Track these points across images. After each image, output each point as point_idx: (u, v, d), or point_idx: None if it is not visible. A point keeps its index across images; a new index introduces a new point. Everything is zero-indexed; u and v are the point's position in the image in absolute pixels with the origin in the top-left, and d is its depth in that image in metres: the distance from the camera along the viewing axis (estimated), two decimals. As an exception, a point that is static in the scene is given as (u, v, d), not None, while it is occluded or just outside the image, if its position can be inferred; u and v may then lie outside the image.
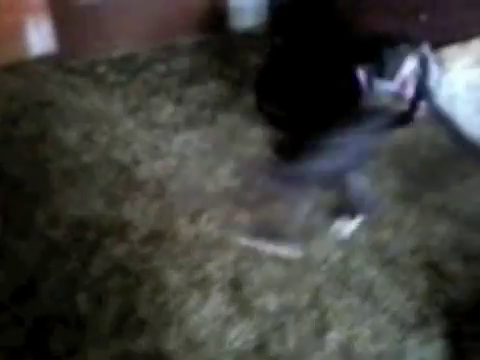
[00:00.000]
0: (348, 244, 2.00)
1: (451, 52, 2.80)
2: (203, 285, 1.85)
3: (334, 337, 1.71)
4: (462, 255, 1.98)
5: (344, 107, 1.80)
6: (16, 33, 2.86)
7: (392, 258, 1.96)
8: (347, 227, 2.08)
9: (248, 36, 3.29)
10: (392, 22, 2.87)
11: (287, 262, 1.93)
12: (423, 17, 2.82)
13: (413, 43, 2.03)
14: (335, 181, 1.96)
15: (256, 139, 2.46)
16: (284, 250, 1.97)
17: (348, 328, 1.74)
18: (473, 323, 1.75)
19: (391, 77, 1.83)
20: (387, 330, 1.75)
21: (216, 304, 1.79)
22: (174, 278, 1.87)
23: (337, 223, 2.10)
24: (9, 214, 2.07)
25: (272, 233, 1.99)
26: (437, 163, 2.39)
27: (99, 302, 1.77)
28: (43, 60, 2.82)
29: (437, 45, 2.85)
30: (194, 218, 2.10)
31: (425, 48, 2.00)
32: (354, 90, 1.79)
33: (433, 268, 1.93)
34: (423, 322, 1.76)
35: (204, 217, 2.11)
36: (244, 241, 1.99)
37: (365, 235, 2.04)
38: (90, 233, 2.01)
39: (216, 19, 3.26)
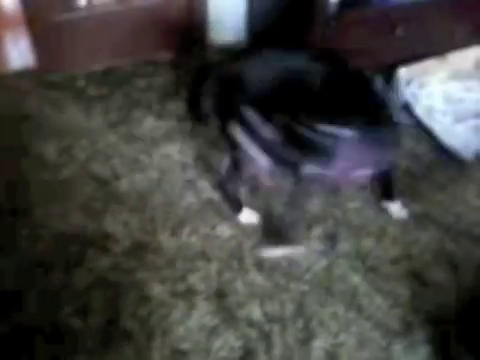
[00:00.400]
0: (332, 253, 2.02)
1: (428, 65, 2.87)
2: (187, 296, 1.84)
3: (320, 345, 1.72)
4: (444, 263, 2.01)
5: None
6: (-6, 48, 2.85)
7: (375, 266, 1.97)
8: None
9: (227, 51, 3.31)
10: (369, 37, 2.92)
11: (271, 271, 1.93)
12: (400, 31, 2.87)
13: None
14: None
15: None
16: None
17: (333, 336, 1.74)
18: (458, 329, 1.77)
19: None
20: (372, 337, 1.75)
21: (201, 315, 1.78)
22: (158, 290, 1.85)
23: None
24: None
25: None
26: (417, 173, 2.42)
27: (83, 315, 1.75)
28: (22, 75, 2.80)
29: (414, 59, 2.92)
30: (176, 230, 2.09)
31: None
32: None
33: (416, 276, 1.95)
34: (407, 329, 1.78)
35: (186, 229, 2.10)
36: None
37: (348, 243, 2.05)
38: (72, 246, 1.98)
39: (195, 34, 3.28)
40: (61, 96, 2.74)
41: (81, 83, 2.84)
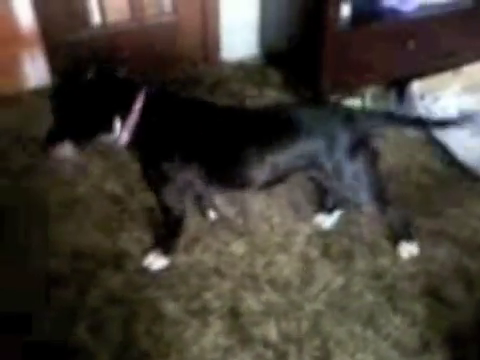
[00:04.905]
0: (347, 271, 2.00)
1: (441, 79, 2.86)
2: (201, 314, 1.82)
3: (337, 365, 1.69)
4: (462, 280, 1.97)
5: None
6: (11, 66, 2.88)
7: (392, 284, 1.95)
8: (328, 220, 2.18)
9: (240, 67, 3.33)
10: (381, 51, 2.92)
11: (285, 289, 1.92)
12: (412, 45, 2.87)
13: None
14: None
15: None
16: None
17: (350, 355, 1.71)
18: (477, 347, 1.73)
19: None
20: (390, 357, 1.72)
21: (215, 333, 1.76)
22: (171, 307, 1.84)
23: (318, 217, 2.20)
24: (5, 246, 2.05)
25: None
26: (431, 188, 2.40)
27: (97, 333, 1.74)
28: (38, 92, 2.83)
29: (426, 72, 2.91)
30: (189, 247, 2.08)
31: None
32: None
33: (434, 293, 1.92)
34: (425, 348, 1.74)
35: (199, 246, 2.09)
36: None
37: (364, 261, 2.03)
38: (87, 264, 1.99)
39: (208, 51, 3.30)
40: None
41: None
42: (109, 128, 1.69)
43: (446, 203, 2.32)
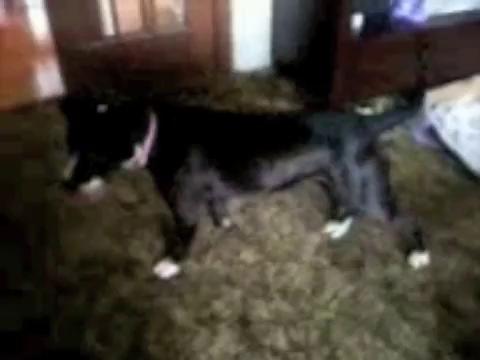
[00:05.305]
0: (358, 280, 1.99)
1: (454, 89, 2.85)
2: (211, 323, 1.82)
3: (346, 375, 1.68)
4: (473, 289, 1.96)
5: None
6: (26, 77, 2.94)
7: (402, 293, 1.93)
8: (338, 229, 2.19)
9: (252, 78, 3.35)
10: (393, 62, 2.92)
11: (295, 298, 1.91)
12: (426, 54, 2.86)
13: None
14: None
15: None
16: None
17: (360, 365, 1.70)
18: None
19: None
20: (400, 367, 1.71)
21: (224, 342, 1.76)
22: (181, 316, 1.84)
23: (329, 226, 2.21)
24: (17, 255, 2.07)
25: None
26: (444, 198, 2.39)
27: (107, 340, 1.74)
28: (51, 102, 2.87)
29: (440, 82, 2.90)
30: (200, 256, 2.09)
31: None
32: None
33: (444, 303, 1.90)
34: (436, 358, 1.72)
35: (210, 254, 2.09)
36: None
37: (374, 271, 2.02)
38: (97, 271, 2.00)
39: (219, 61, 3.33)
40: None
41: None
42: (131, 154, 1.70)
43: (458, 213, 2.31)
